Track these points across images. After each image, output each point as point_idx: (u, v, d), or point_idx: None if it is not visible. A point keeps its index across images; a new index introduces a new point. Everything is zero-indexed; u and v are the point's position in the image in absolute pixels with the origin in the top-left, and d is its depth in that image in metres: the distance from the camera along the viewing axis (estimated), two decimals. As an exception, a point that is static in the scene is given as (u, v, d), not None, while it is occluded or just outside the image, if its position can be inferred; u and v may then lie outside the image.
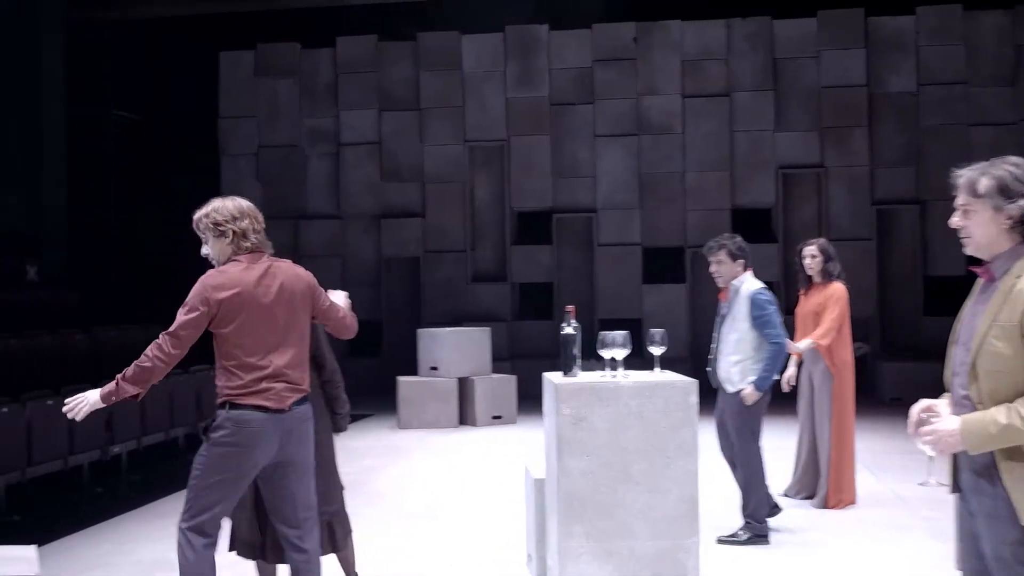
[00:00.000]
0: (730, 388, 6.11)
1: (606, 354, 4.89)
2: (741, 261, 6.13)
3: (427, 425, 11.18)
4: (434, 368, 11.50)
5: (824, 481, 7.05)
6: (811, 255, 7.11)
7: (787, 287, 14.74)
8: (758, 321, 5.97)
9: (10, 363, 8.76)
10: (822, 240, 7.30)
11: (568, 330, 4.93)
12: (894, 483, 7.97)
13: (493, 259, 15.63)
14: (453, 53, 15.49)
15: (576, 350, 4.95)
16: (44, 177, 12.95)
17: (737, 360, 6.06)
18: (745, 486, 6.15)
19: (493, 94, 15.40)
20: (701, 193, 14.94)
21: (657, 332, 5.01)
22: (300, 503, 4.18)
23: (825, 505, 7.00)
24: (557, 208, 15.31)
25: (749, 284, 6.12)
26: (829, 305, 6.97)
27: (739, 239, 6.22)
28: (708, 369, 6.36)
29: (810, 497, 7.17)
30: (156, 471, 9.08)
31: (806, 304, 7.19)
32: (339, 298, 4.42)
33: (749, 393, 5.97)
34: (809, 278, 7.19)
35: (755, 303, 6.00)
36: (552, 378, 4.95)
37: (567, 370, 4.93)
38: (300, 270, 4.20)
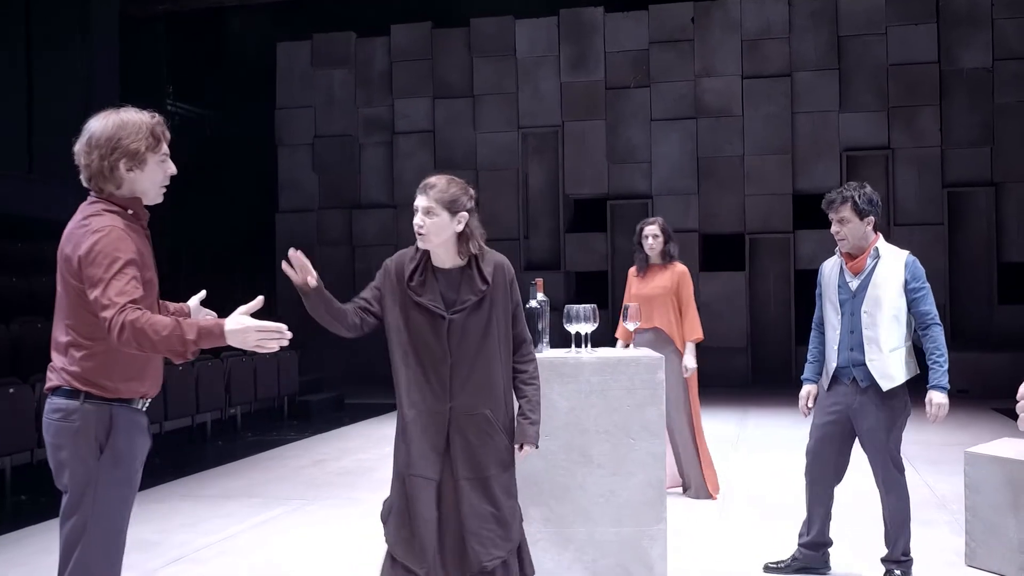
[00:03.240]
0: (887, 385, 4.71)
1: (572, 329, 4.63)
2: (871, 219, 4.77)
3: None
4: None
5: (698, 472, 6.72)
6: (653, 235, 6.68)
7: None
8: (916, 295, 4.71)
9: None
10: (660, 219, 6.86)
11: (532, 304, 4.64)
12: (933, 476, 7.48)
13: (547, 247, 15.38)
14: (507, 38, 15.28)
15: (541, 325, 4.66)
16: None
17: (895, 348, 4.72)
18: (896, 516, 4.83)
19: (547, 79, 15.14)
20: (761, 178, 14.43)
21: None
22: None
23: (710, 495, 6.72)
24: (612, 194, 14.98)
25: (895, 249, 4.83)
26: (684, 291, 6.63)
27: (868, 189, 4.82)
28: (827, 369, 4.92)
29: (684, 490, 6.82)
30: (267, 429, 10.90)
31: (643, 286, 6.71)
32: (194, 301, 3.42)
33: (942, 402, 4.65)
34: (646, 258, 6.75)
35: (915, 272, 4.74)
36: (516, 354, 4.68)
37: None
38: (88, 228, 2.96)
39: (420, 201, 3.58)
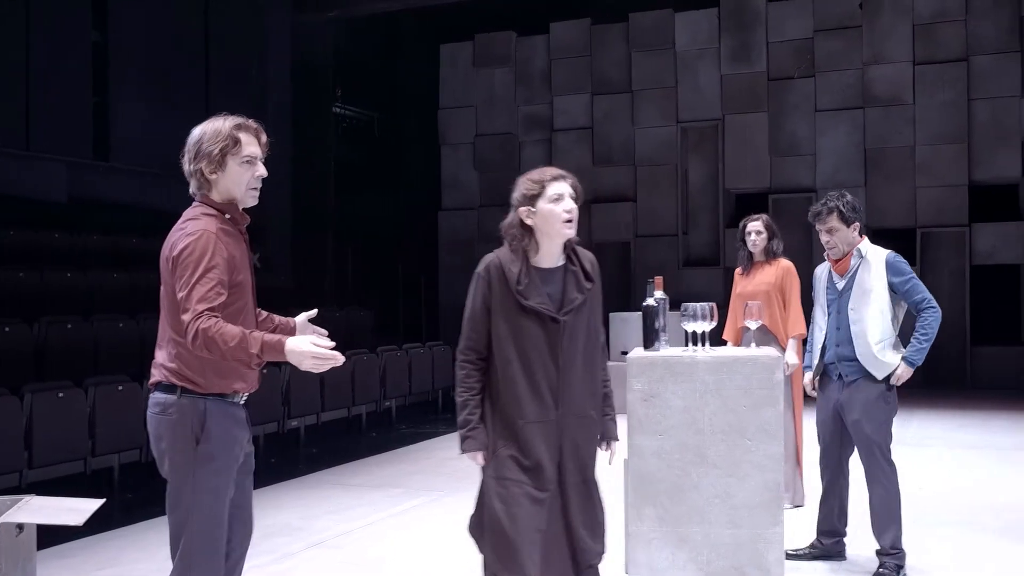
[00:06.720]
0: (880, 373, 4.94)
1: (688, 327, 4.56)
2: (857, 224, 5.04)
3: (617, 411, 10.94)
4: (625, 352, 11.24)
5: (796, 474, 6.40)
6: (756, 231, 6.47)
7: (1034, 270, 13.32)
8: (904, 288, 4.91)
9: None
10: (765, 216, 6.64)
11: (649, 302, 4.61)
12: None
13: (707, 243, 15.14)
14: (665, 32, 15.11)
15: (659, 323, 4.62)
16: (270, 170, 13.79)
17: (880, 340, 4.93)
18: (881, 508, 4.96)
19: (707, 72, 14.89)
20: (934, 169, 13.74)
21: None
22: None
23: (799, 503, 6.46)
24: (775, 188, 14.59)
25: (877, 249, 5.05)
26: (788, 287, 6.42)
27: (849, 196, 5.10)
28: (813, 363, 5.22)
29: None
30: (420, 422, 11.19)
31: (747, 284, 6.50)
32: (302, 317, 3.45)
33: (905, 371, 4.90)
34: (750, 256, 6.54)
35: (896, 268, 4.94)
36: (633, 352, 4.67)
37: (648, 344, 4.62)
38: (183, 231, 3.09)
39: (566, 188, 3.49)
